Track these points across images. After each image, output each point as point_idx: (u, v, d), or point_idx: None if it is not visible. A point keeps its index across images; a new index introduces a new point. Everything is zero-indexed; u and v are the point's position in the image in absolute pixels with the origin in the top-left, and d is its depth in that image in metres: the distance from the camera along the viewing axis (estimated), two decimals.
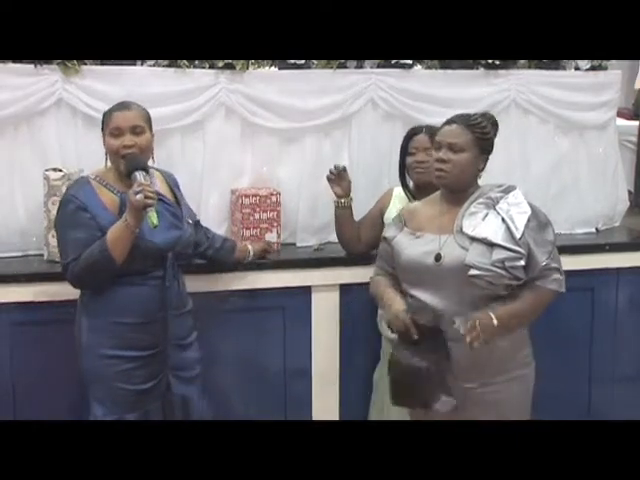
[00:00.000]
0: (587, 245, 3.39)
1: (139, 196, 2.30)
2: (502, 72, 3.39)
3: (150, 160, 2.56)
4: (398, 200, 3.03)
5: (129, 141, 2.42)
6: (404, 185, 3.01)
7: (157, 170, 2.67)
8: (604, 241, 3.48)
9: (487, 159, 2.48)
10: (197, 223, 2.81)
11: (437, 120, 3.16)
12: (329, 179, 3.02)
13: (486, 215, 2.38)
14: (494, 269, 2.31)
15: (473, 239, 2.36)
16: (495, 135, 2.50)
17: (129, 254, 2.40)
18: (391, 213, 3.01)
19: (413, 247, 2.46)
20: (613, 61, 3.57)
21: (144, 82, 3.02)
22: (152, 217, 2.31)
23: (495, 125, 2.50)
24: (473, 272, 2.32)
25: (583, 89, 3.51)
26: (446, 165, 2.41)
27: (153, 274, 2.51)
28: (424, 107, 3.31)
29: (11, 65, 2.87)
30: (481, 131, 2.43)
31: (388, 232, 2.60)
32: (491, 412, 2.39)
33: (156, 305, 2.52)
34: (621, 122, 3.97)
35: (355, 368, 3.17)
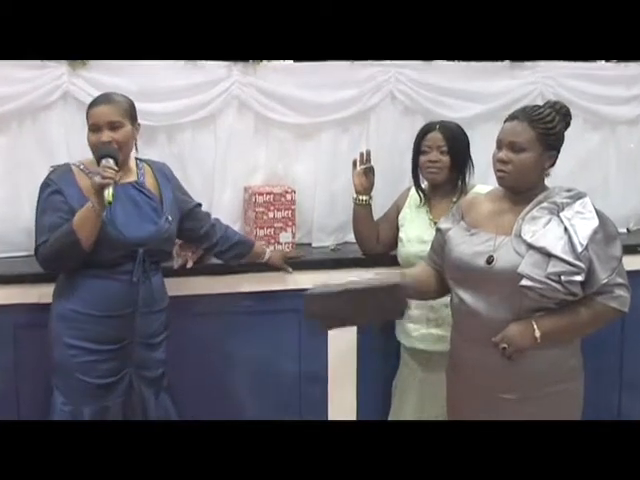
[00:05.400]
0: None
1: (97, 177, 2.38)
2: (529, 64, 3.35)
3: (133, 150, 2.60)
4: (413, 200, 2.98)
5: (106, 137, 2.49)
6: (417, 185, 2.95)
7: (146, 162, 2.70)
8: (635, 242, 3.40)
9: (556, 155, 2.35)
10: (195, 215, 2.79)
11: (460, 115, 3.21)
12: (355, 164, 3.00)
13: (548, 222, 2.26)
14: (549, 282, 2.19)
15: (530, 246, 2.23)
16: (566, 128, 2.35)
17: (98, 243, 2.45)
18: (406, 213, 2.99)
19: (466, 244, 2.36)
20: None
21: (153, 75, 2.98)
22: (107, 195, 2.37)
23: (567, 116, 2.36)
24: (525, 283, 2.20)
25: (613, 82, 3.46)
26: (506, 166, 2.29)
27: (122, 269, 2.53)
28: (446, 101, 3.28)
29: None
30: (545, 126, 2.29)
31: (443, 223, 2.52)
32: None
33: (123, 301, 2.54)
34: None
35: (372, 371, 3.15)
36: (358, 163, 3.00)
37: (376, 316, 2.34)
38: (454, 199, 2.79)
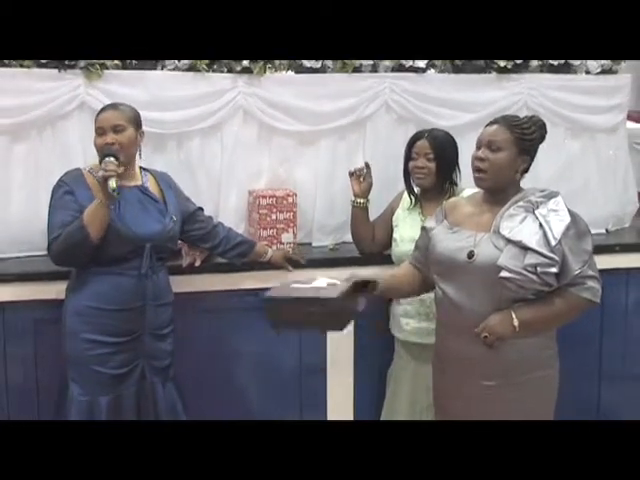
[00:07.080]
0: (597, 246, 3.26)
1: (100, 172, 2.52)
2: (514, 76, 3.43)
3: (137, 156, 2.73)
4: (406, 202, 3.06)
5: (110, 139, 2.62)
6: (409, 189, 3.03)
7: (149, 171, 2.83)
8: (614, 242, 3.49)
9: (529, 161, 2.44)
10: (197, 217, 2.90)
11: (451, 123, 3.25)
12: (351, 175, 3.08)
13: (524, 219, 2.35)
14: (526, 273, 2.28)
15: (508, 241, 2.32)
16: (541, 139, 2.46)
17: (109, 240, 2.58)
18: (399, 214, 3.07)
19: (448, 241, 2.44)
20: (623, 65, 3.60)
21: (164, 86, 3.07)
22: (112, 183, 2.49)
23: (542, 129, 2.45)
24: (504, 274, 2.28)
25: (594, 93, 3.54)
26: (483, 163, 2.39)
27: (131, 264, 2.64)
28: (437, 110, 3.35)
29: (35, 70, 2.93)
30: (521, 132, 2.39)
31: (428, 223, 2.60)
32: (510, 413, 2.34)
33: (133, 294, 2.65)
34: (631, 125, 3.96)
35: (368, 363, 3.20)
36: (354, 171, 3.08)
37: (322, 325, 2.29)
38: (444, 201, 2.83)
